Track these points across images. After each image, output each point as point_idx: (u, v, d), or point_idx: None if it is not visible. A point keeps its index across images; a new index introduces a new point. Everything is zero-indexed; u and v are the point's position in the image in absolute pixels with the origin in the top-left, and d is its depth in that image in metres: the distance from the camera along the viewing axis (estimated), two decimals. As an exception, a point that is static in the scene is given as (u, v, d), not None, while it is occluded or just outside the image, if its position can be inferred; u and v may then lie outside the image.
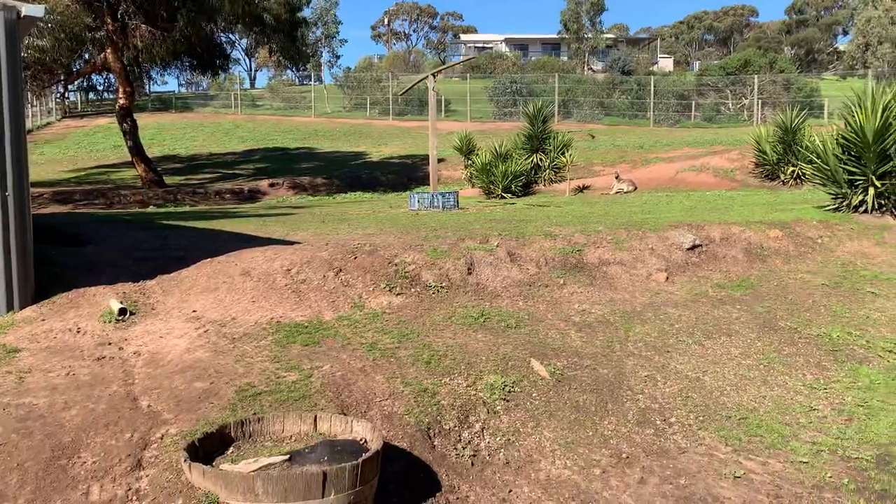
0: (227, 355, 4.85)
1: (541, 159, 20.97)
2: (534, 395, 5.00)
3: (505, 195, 19.65)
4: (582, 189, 20.10)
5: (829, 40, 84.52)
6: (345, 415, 4.12)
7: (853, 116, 10.12)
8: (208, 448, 3.66)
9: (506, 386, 4.99)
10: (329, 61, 50.11)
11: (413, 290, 6.72)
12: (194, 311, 5.76)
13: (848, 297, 7.59)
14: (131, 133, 22.81)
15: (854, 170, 10.19)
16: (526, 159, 20.70)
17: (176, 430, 4.01)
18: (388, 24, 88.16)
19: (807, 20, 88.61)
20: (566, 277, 7.47)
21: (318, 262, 6.83)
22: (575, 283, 7.38)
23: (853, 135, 10.08)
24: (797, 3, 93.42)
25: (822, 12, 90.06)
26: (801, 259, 8.71)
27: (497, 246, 7.81)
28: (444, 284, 6.89)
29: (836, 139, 10.42)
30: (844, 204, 10.36)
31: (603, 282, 7.55)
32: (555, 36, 71.53)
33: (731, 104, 40.16)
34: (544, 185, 21.01)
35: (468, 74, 46.69)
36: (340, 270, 6.75)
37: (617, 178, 19.55)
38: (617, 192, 19.13)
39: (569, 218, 10.41)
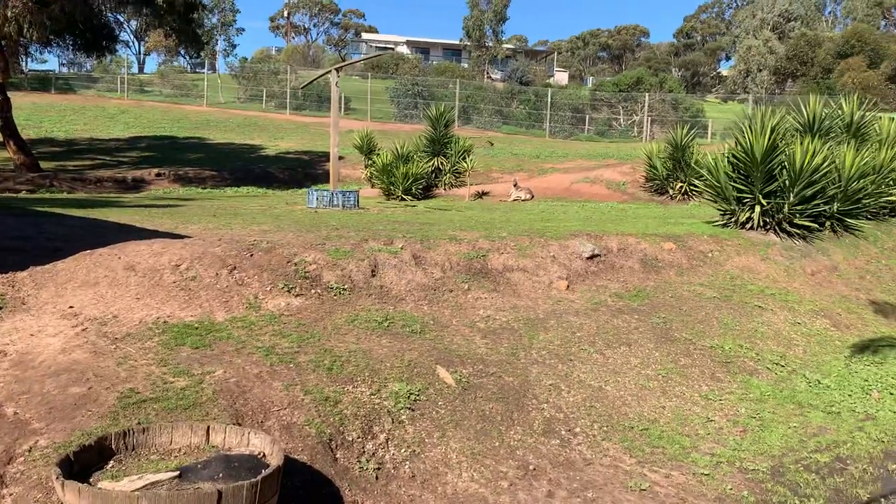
0: (108, 357, 4.41)
1: (442, 163, 20.93)
2: (440, 403, 4.83)
3: (405, 197, 19.49)
4: (481, 195, 20.19)
5: (713, 65, 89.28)
6: (240, 425, 3.81)
7: (744, 136, 10.56)
8: (85, 462, 3.27)
9: (411, 394, 4.80)
10: (225, 50, 48.35)
11: (313, 291, 6.42)
12: (71, 307, 5.25)
13: (737, 310, 7.86)
14: (3, 111, 21.12)
15: (742, 188, 10.63)
16: (427, 162, 20.61)
17: (47, 441, 3.58)
18: (288, 17, 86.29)
19: (693, 44, 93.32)
20: (471, 283, 7.36)
21: (210, 258, 6.42)
22: (479, 289, 7.28)
23: (743, 154, 10.52)
24: (685, 27, 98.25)
25: (708, 38, 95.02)
26: (693, 272, 8.97)
27: (402, 248, 7.61)
28: (346, 286, 6.62)
29: (727, 157, 10.85)
30: (732, 220, 10.79)
31: (507, 288, 7.49)
32: (456, 42, 72.11)
33: (622, 120, 41.61)
34: (444, 188, 20.98)
35: (369, 74, 46.26)
36: (235, 268, 6.36)
37: (515, 186, 19.75)
38: (515, 200, 19.32)
39: (472, 223, 10.34)
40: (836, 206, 10.96)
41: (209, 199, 15.83)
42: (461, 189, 20.95)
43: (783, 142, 10.43)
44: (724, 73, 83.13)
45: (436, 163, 20.86)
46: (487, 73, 65.75)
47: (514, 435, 4.65)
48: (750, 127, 10.61)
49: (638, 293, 7.90)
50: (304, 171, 24.52)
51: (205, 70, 45.68)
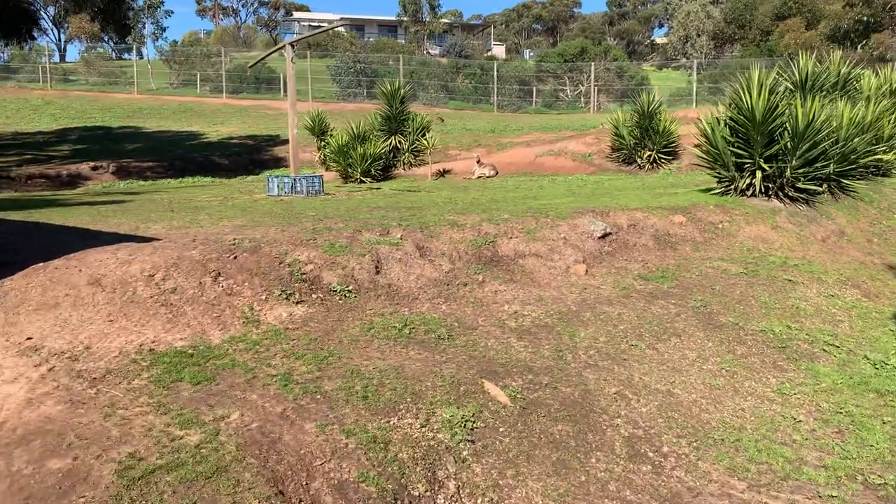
0: (90, 408, 3.42)
1: (400, 142, 19.92)
2: (501, 430, 3.99)
3: (364, 179, 18.46)
4: (443, 173, 19.29)
5: (647, 32, 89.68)
6: (283, 494, 2.90)
7: (741, 98, 9.92)
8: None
9: (466, 422, 3.95)
10: (154, 34, 45.88)
11: (315, 296, 5.48)
12: (30, 338, 4.21)
13: (769, 286, 7.21)
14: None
15: (742, 153, 10.02)
16: (384, 141, 19.57)
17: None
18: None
19: (627, 13, 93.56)
20: (484, 273, 6.52)
21: (188, 264, 5.41)
22: (495, 280, 6.44)
23: (741, 117, 9.88)
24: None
25: (639, 6, 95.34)
26: (709, 246, 8.31)
27: (402, 238, 6.70)
28: (350, 288, 5.70)
29: (724, 121, 10.20)
30: (732, 188, 10.18)
31: (523, 277, 6.67)
32: (392, 18, 70.54)
33: (569, 91, 41.06)
34: (404, 168, 20.01)
35: (308, 53, 44.58)
36: (219, 274, 5.37)
37: (478, 162, 18.92)
38: (479, 177, 18.50)
39: (461, 205, 9.46)
40: (832, 167, 10.44)
41: (156, 191, 14.53)
42: (421, 168, 20.00)
43: (783, 102, 9.82)
44: (658, 40, 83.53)
45: (393, 142, 19.85)
46: (426, 49, 64.48)
47: (597, 464, 3.85)
48: (747, 88, 9.98)
49: (663, 274, 7.18)
50: (249, 156, 23.17)
51: (132, 56, 43.25)
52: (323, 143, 19.89)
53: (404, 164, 20.05)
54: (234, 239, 6.13)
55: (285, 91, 40.56)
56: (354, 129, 19.10)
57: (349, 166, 18.60)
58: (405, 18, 63.33)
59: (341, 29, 68.78)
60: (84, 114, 30.56)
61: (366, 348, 4.70)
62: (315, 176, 12.91)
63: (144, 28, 40.28)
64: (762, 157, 9.89)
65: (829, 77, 12.11)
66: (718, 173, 10.37)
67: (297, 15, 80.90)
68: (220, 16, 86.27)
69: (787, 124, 9.77)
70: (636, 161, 18.31)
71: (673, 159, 18.21)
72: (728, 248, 8.33)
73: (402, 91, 20.25)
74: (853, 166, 10.80)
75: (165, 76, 41.90)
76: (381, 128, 20.06)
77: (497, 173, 18.65)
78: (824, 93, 11.52)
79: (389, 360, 4.52)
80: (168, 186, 16.57)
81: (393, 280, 6.02)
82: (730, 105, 10.37)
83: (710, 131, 10.28)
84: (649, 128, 17.92)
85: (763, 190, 10.00)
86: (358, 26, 73.33)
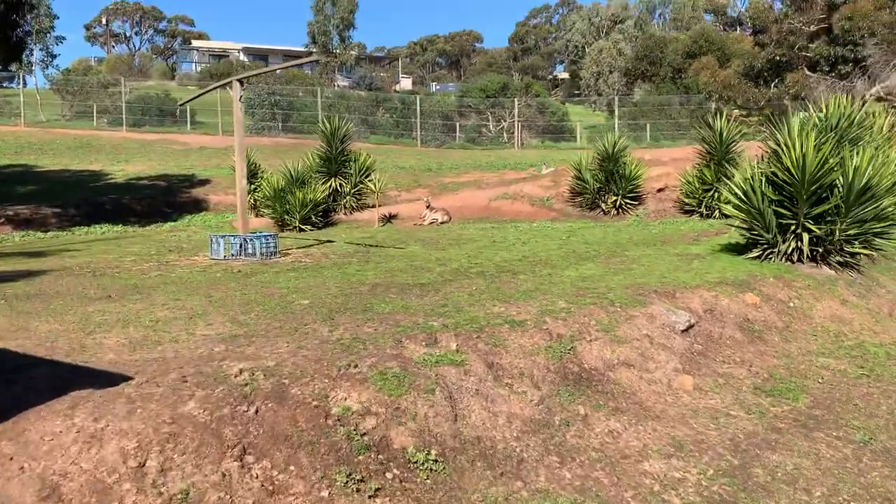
0: None
1: (341, 184, 17.98)
2: None
3: (304, 227, 16.44)
4: (389, 218, 17.46)
5: (550, 68, 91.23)
6: None
7: (784, 151, 8.67)
8: None
9: None
10: (43, 61, 41.88)
11: (391, 474, 3.60)
12: None
13: (901, 391, 5.81)
14: None
15: (785, 212, 8.75)
16: (324, 184, 17.61)
17: None
18: (107, 25, 78.39)
19: (530, 49, 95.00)
20: (581, 400, 4.79)
21: (192, 432, 3.44)
22: (598, 410, 4.72)
23: (786, 173, 8.62)
24: (519, 32, 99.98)
25: (541, 42, 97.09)
26: (794, 334, 6.89)
27: (460, 352, 4.89)
28: (433, 454, 3.84)
29: (766, 176, 8.90)
30: (775, 251, 8.88)
31: (626, 400, 4.98)
32: (298, 48, 68.32)
33: (491, 126, 40.12)
34: (345, 213, 18.06)
35: (214, 83, 41.84)
36: (245, 451, 3.42)
37: (428, 206, 17.24)
38: (431, 223, 16.85)
39: (474, 277, 7.65)
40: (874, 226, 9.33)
41: (67, 249, 12.00)
42: (364, 212, 18.12)
43: (832, 154, 8.62)
44: (560, 75, 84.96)
45: (333, 184, 17.89)
46: (336, 80, 62.57)
47: None
48: (788, 138, 8.75)
49: (784, 387, 5.64)
50: (164, 199, 20.60)
51: (16, 84, 39.23)
52: (253, 185, 17.68)
53: (346, 208, 18.12)
54: (240, 371, 4.15)
55: (193, 123, 37.85)
56: (292, 172, 17.05)
57: (286, 213, 16.55)
58: (314, 49, 61.24)
59: (242, 58, 66.11)
60: (-40, 150, 26.95)
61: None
62: (269, 235, 10.84)
63: (32, 55, 36.48)
64: (810, 217, 8.65)
65: (852, 120, 11.07)
66: (757, 235, 9.05)
67: (196, 43, 77.40)
68: (112, 43, 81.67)
69: (838, 181, 8.58)
70: (600, 206, 17.08)
71: (639, 204, 17.09)
72: (815, 336, 6.92)
73: (343, 129, 18.35)
74: (889, 224, 9.75)
75: (56, 107, 38.22)
76: (319, 169, 18.08)
77: (450, 219, 17.02)
78: (851, 138, 10.45)
79: None
80: (78, 241, 13.99)
81: (480, 429, 4.20)
82: (768, 158, 9.14)
83: (747, 188, 8.96)
84: (614, 171, 16.75)
85: (810, 255, 8.75)
86: (262, 56, 70.80)
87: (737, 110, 38.83)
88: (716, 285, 7.30)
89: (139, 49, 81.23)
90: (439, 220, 16.92)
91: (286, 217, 16.57)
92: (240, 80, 10.65)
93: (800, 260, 8.76)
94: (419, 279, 7.78)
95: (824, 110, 10.04)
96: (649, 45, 49.18)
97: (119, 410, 3.55)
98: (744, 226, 9.23)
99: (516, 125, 38.62)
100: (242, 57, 68.56)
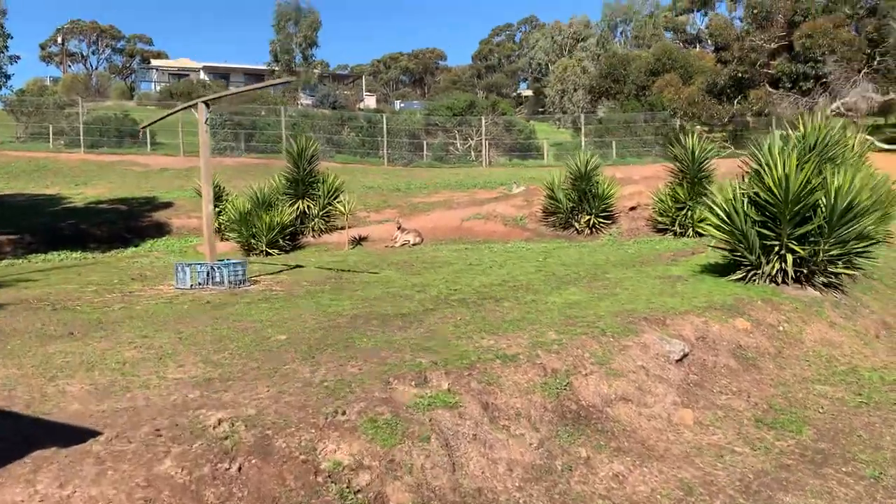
0: None
1: (308, 206, 17.60)
2: None
3: (271, 251, 16.02)
4: (359, 240, 17.12)
5: (513, 86, 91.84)
6: None
7: (768, 169, 8.56)
8: None
9: None
10: (-5, 81, 40.71)
11: (392, 538, 3.27)
12: None
13: (902, 419, 5.65)
14: None
15: (768, 233, 8.63)
16: (291, 206, 17.22)
17: None
18: (63, 44, 76.92)
19: (494, 66, 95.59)
20: (584, 443, 4.52)
21: (168, 497, 3.10)
22: (603, 454, 4.46)
23: (769, 193, 8.51)
24: (482, 50, 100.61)
25: (504, 61, 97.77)
26: (787, 360, 6.72)
27: (453, 393, 4.60)
28: (436, 509, 3.53)
29: (748, 196, 8.79)
30: (759, 273, 8.75)
31: (627, 439, 4.73)
32: (259, 67, 67.78)
33: (459, 144, 40.01)
34: (313, 236, 17.68)
35: (179, 103, 41.11)
36: (230, 516, 3.07)
37: (400, 228, 16.96)
38: (403, 244, 16.55)
39: (448, 298, 7.37)
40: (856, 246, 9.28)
41: (24, 279, 11.44)
42: (333, 235, 17.75)
43: (815, 174, 8.54)
44: (524, 93, 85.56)
45: (301, 206, 17.51)
46: (298, 99, 62.09)
47: None
48: (769, 158, 8.65)
49: (786, 418, 5.44)
50: (125, 224, 19.98)
51: (-34, 105, 38.06)
52: (218, 208, 17.20)
53: (314, 230, 17.73)
54: (219, 422, 3.81)
55: (153, 144, 37.06)
56: (258, 194, 16.62)
57: (252, 236, 16.13)
58: (277, 68, 60.79)
59: (203, 77, 65.37)
60: (-90, 173, 25.98)
61: None
62: (237, 262, 10.44)
63: (-16, 74, 35.42)
64: (792, 237, 8.55)
65: (829, 139, 11.05)
66: (740, 256, 8.91)
67: (155, 63, 76.36)
68: (68, 62, 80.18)
69: (821, 200, 8.49)
70: (573, 226, 16.95)
71: (612, 223, 16.99)
72: (808, 362, 6.76)
73: (311, 150, 18.00)
74: (866, 242, 9.70)
75: (10, 128, 37.15)
76: (286, 191, 17.68)
77: (422, 240, 16.74)
78: (829, 157, 10.41)
79: None
80: (35, 269, 13.38)
81: (479, 479, 3.90)
82: (749, 177, 9.03)
83: (730, 208, 8.83)
84: (587, 190, 16.64)
85: (794, 276, 8.64)
86: (223, 75, 70.12)
87: (699, 126, 39.34)
88: (705, 310, 7.12)
89: (96, 69, 79.82)
90: (411, 242, 16.63)
91: (252, 241, 16.15)
92: (206, 103, 10.27)
93: (784, 281, 8.64)
94: (399, 308, 7.47)
95: (802, 129, 9.96)
96: (613, 63, 49.63)
97: (87, 473, 3.19)
98: (726, 247, 9.11)
99: (484, 143, 38.56)
100: (203, 76, 67.80)
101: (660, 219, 15.91)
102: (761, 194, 8.62)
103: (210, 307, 8.14)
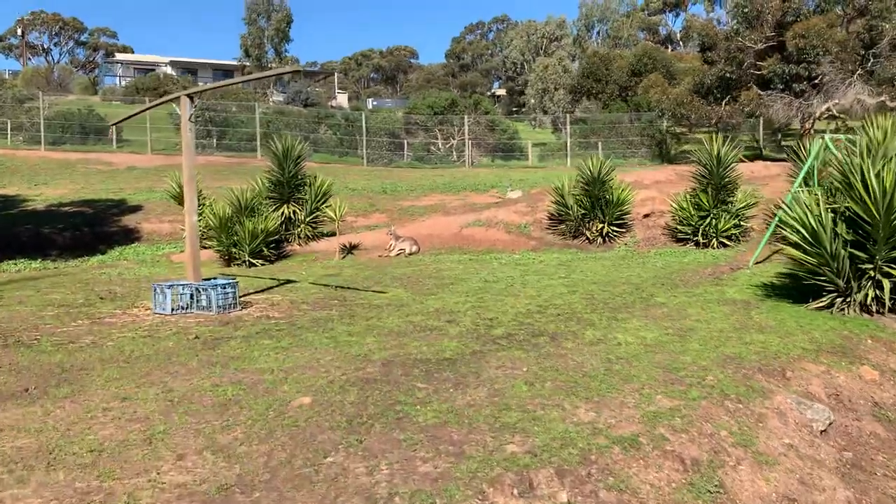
0: None
1: (295, 212, 16.05)
2: None
3: (254, 262, 14.44)
4: (350, 249, 15.60)
5: (488, 84, 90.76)
6: None
7: (858, 182, 7.29)
8: None
9: None
10: (-51, 73, 38.26)
11: None
12: None
13: None
14: None
15: (860, 255, 7.37)
16: (276, 210, 15.68)
17: None
18: (23, 36, 73.85)
19: (468, 65, 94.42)
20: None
21: None
22: None
23: (863, 208, 7.24)
24: (455, 48, 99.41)
25: (478, 59, 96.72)
26: (927, 416, 5.44)
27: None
28: None
29: (840, 213, 7.51)
30: (848, 301, 7.48)
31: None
32: (228, 62, 65.65)
33: (440, 144, 38.58)
34: (300, 243, 16.11)
35: (138, 98, 39.13)
36: None
37: (394, 235, 15.48)
38: (398, 254, 15.11)
39: (496, 338, 5.94)
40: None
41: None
42: (321, 242, 16.20)
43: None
44: (498, 92, 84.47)
45: (286, 211, 15.96)
46: (269, 95, 60.07)
47: None
48: (860, 166, 7.38)
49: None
50: (91, 229, 18.18)
51: (-83, 98, 35.71)
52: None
53: (301, 237, 16.17)
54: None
55: (119, 141, 35.03)
56: (240, 199, 15.02)
57: (234, 245, 14.52)
58: (248, 63, 58.73)
59: (170, 71, 63.13)
60: None
61: None
62: (227, 283, 8.91)
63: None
64: (888, 260, 7.30)
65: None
66: (825, 281, 7.62)
67: (119, 56, 73.63)
68: (29, 55, 77.08)
69: (920, 216, 7.25)
70: (584, 234, 15.61)
71: (626, 232, 15.72)
72: (952, 418, 5.49)
73: (297, 150, 16.45)
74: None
75: (-36, 123, 34.85)
76: (270, 194, 16.10)
77: (419, 249, 15.31)
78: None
79: None
80: (-16, 286, 11.65)
81: None
82: (835, 190, 7.76)
83: (814, 225, 7.53)
84: (601, 196, 15.33)
85: (891, 305, 7.38)
86: (191, 70, 67.88)
87: (680, 128, 38.40)
88: (816, 354, 5.82)
89: (58, 62, 76.86)
90: (407, 251, 15.20)
91: (234, 250, 14.55)
92: (189, 96, 8.73)
93: (878, 311, 7.39)
94: (438, 350, 6.04)
95: (871, 131, 8.70)
96: (594, 63, 48.61)
97: None
98: (802, 270, 7.81)
99: (467, 143, 37.18)
100: (170, 71, 65.43)
101: (680, 227, 14.66)
102: (856, 209, 7.34)
103: (200, 345, 6.63)
